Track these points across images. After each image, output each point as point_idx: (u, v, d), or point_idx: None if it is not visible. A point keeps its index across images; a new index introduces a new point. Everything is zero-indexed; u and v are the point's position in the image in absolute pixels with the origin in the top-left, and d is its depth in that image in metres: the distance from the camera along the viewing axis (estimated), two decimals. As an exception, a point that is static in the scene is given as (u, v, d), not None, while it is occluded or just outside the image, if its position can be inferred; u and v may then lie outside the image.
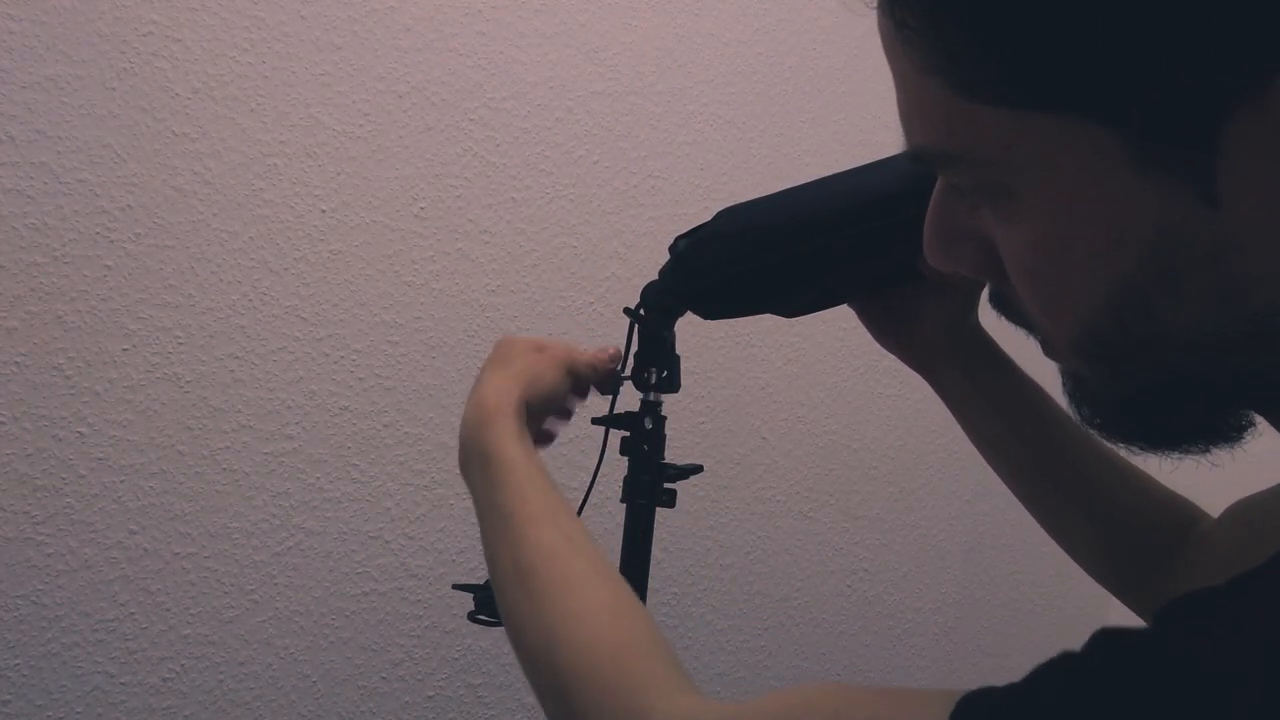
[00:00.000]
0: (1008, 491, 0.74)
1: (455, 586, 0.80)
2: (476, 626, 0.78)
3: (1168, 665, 0.31)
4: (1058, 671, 0.34)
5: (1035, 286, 0.40)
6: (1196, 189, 0.34)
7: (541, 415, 0.70)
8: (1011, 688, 0.34)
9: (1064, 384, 0.44)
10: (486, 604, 0.76)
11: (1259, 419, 0.41)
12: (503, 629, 0.61)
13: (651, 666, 0.50)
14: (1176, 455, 0.41)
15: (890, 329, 0.72)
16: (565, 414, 0.75)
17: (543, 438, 0.73)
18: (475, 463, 0.63)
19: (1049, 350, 0.43)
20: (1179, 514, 0.68)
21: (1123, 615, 0.70)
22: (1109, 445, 0.71)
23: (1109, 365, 0.40)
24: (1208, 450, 0.41)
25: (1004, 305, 0.44)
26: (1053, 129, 0.36)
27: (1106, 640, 0.33)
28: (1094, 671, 0.33)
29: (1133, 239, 0.36)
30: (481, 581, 0.78)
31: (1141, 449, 0.43)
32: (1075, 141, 0.35)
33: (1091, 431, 0.43)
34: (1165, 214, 0.35)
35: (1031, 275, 0.39)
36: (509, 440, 0.62)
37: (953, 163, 0.40)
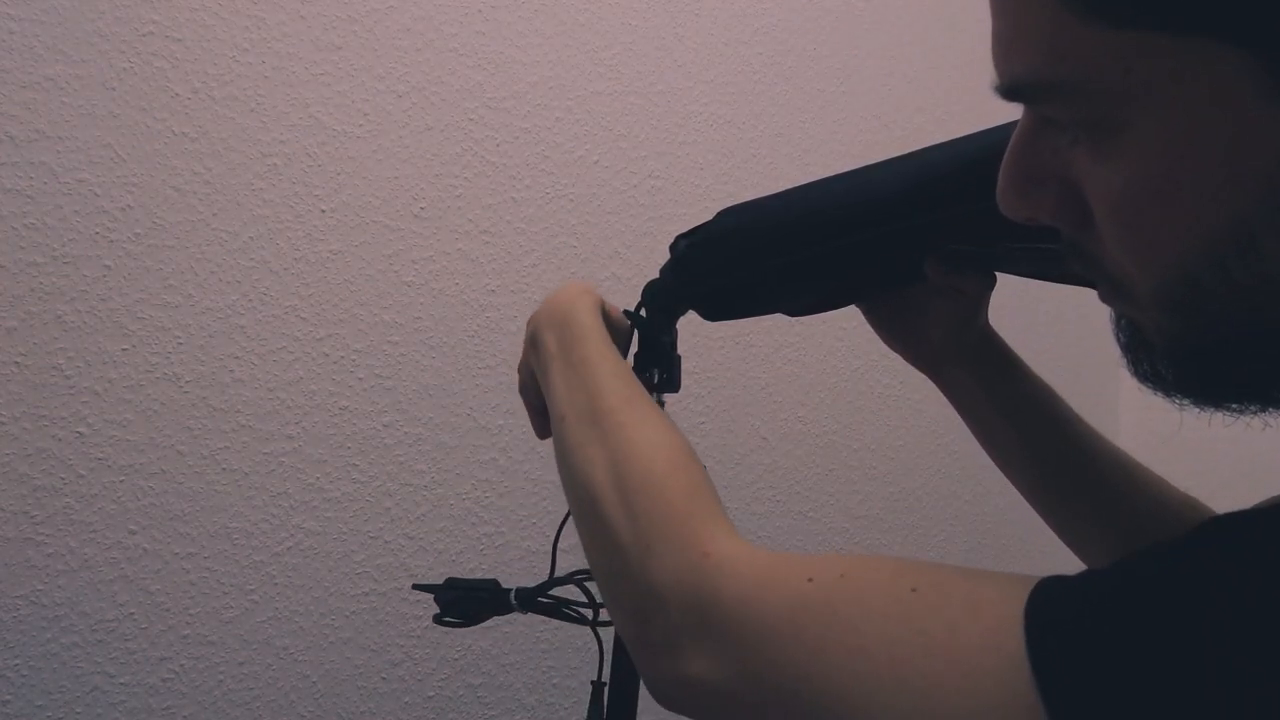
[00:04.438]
0: (1007, 491, 0.74)
1: (416, 587, 0.79)
2: (477, 627, 0.78)
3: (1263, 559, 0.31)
4: (1138, 561, 0.34)
5: (1129, 229, 0.37)
6: None
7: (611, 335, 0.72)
8: (1086, 572, 0.35)
9: (1118, 332, 0.42)
10: (451, 606, 0.75)
11: None
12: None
13: (719, 510, 0.51)
14: (1230, 411, 0.40)
15: (897, 330, 0.71)
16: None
17: None
18: (552, 332, 0.65)
19: (1115, 297, 0.41)
20: (1195, 520, 0.67)
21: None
22: (1122, 450, 0.70)
23: (1192, 313, 0.38)
24: (1264, 410, 0.39)
25: (1077, 254, 0.42)
26: (1178, 52, 0.33)
27: (1211, 527, 0.33)
28: (1176, 557, 0.33)
29: (1251, 174, 0.34)
30: (441, 581, 0.77)
31: (1194, 403, 0.41)
32: (1202, 66, 0.33)
33: (1141, 383, 0.42)
34: None
35: (1128, 216, 0.37)
36: (591, 315, 0.65)
37: (1057, 93, 0.38)
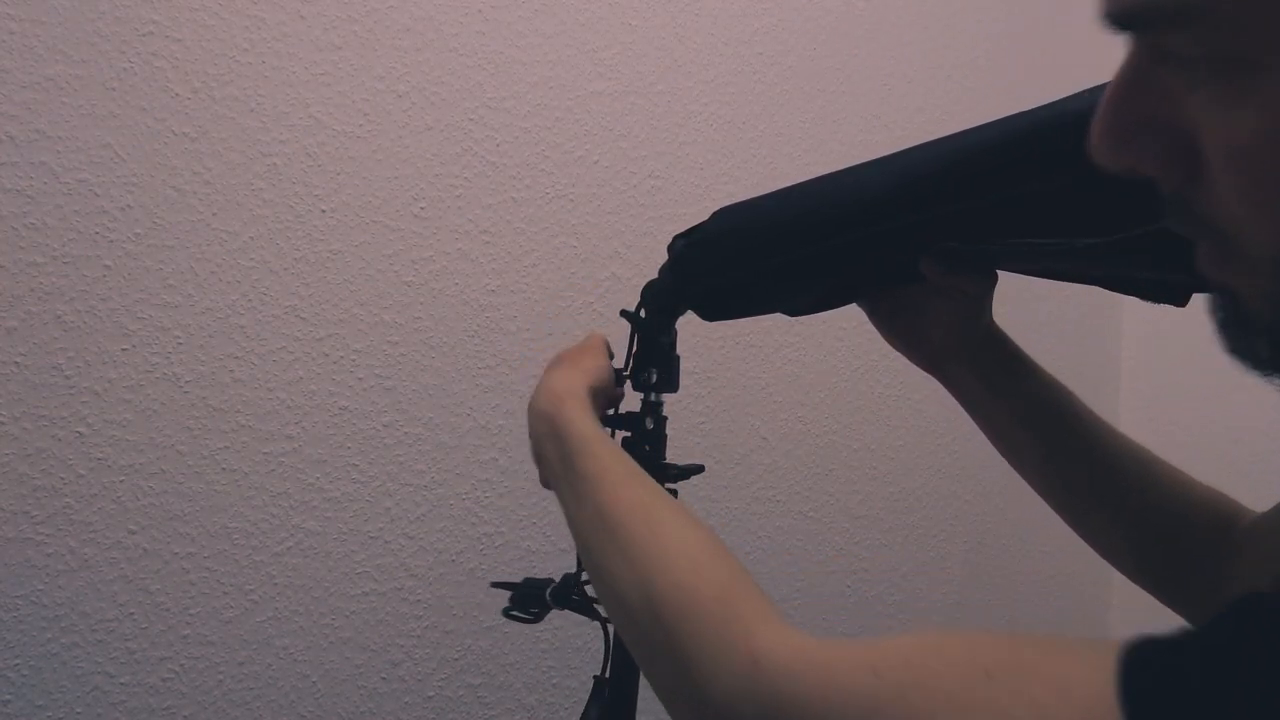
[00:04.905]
0: (1007, 491, 0.74)
1: (494, 585, 0.82)
2: (476, 627, 0.79)
3: None
4: (1233, 619, 0.31)
5: (1254, 183, 0.33)
6: None
7: (603, 403, 0.71)
8: (1178, 636, 0.32)
9: (1214, 306, 0.38)
10: (521, 601, 0.78)
11: None
12: (531, 627, 0.60)
13: (754, 603, 0.49)
14: None
15: (899, 330, 0.71)
16: (614, 401, 0.76)
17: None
18: (551, 444, 0.65)
19: (1221, 260, 0.37)
20: (1218, 511, 0.66)
21: (1122, 614, 0.69)
22: (1138, 444, 0.68)
23: None
24: None
25: (1180, 212, 0.38)
26: None
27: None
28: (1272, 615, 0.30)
29: None
30: (519, 580, 0.80)
31: None
32: None
33: (1235, 360, 0.38)
34: None
35: (1254, 169, 0.33)
36: (582, 417, 0.64)
37: (1185, 23, 0.33)
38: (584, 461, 0.61)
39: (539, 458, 0.67)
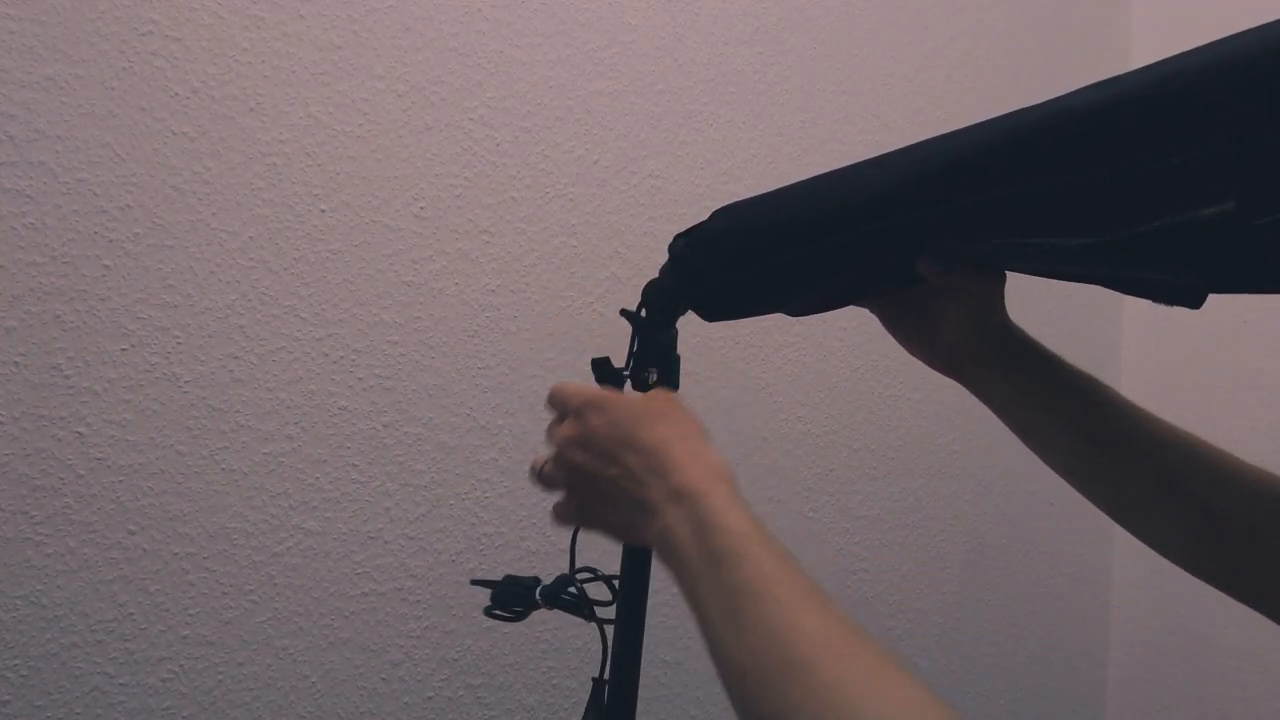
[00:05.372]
0: (1007, 491, 0.73)
1: (474, 582, 0.82)
2: (476, 628, 0.79)
3: None
4: None
5: None
6: None
7: None
8: None
9: None
10: (502, 599, 0.78)
11: None
12: (516, 625, 0.58)
13: None
14: None
15: (911, 334, 0.70)
16: None
17: None
18: (681, 515, 0.55)
19: None
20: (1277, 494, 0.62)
21: (1122, 614, 0.68)
22: (1180, 429, 0.63)
23: None
24: None
25: None
26: None
27: None
28: None
29: None
30: (499, 578, 0.80)
31: None
32: None
33: None
34: None
35: None
36: (732, 504, 0.54)
37: None
38: (742, 571, 0.51)
39: (643, 511, 0.58)
